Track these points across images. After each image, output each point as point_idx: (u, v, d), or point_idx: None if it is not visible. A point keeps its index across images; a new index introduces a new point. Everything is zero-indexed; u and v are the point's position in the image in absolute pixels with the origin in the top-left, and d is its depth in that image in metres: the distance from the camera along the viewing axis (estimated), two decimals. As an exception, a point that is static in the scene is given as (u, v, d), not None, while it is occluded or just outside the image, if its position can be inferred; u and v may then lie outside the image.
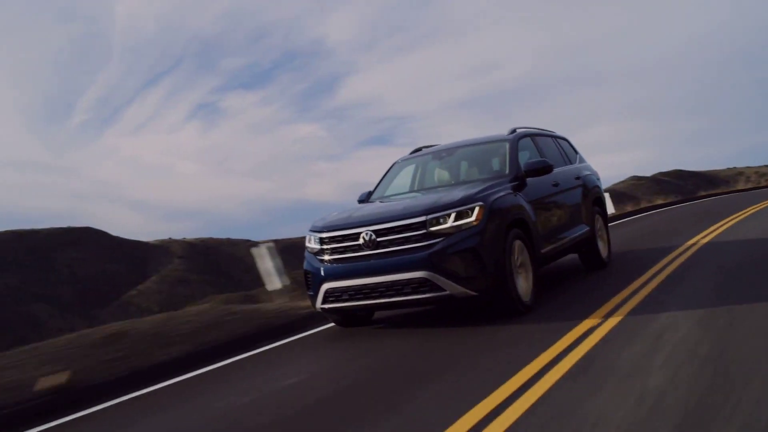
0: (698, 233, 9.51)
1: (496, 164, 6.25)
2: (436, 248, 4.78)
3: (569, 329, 4.30)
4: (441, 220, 4.87)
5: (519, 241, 5.23)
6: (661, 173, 59.48)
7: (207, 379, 4.77)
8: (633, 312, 4.64)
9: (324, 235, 5.28)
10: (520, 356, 3.79)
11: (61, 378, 4.58)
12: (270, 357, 5.23)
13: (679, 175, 59.09)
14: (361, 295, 5.03)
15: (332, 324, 6.02)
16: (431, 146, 7.14)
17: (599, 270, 7.14)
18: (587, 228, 6.97)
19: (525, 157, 6.24)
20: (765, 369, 3.02)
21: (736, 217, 11.81)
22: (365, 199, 6.60)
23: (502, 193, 5.29)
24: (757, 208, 13.69)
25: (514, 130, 6.55)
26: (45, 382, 4.53)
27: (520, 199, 5.52)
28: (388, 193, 6.61)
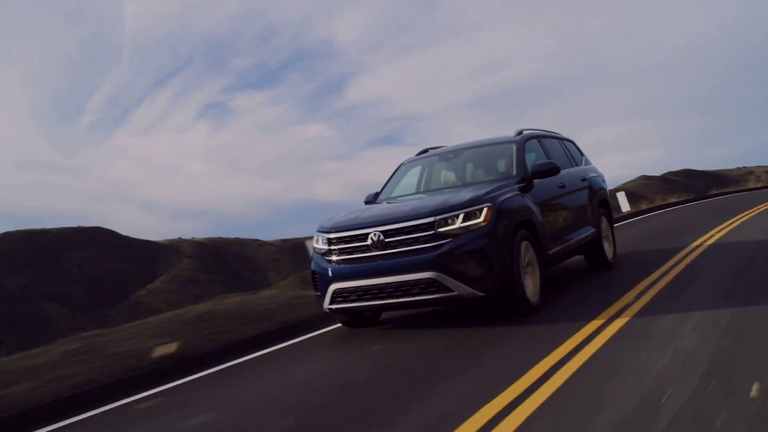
0: (716, 226, 10.51)
1: (502, 166, 6.27)
2: (444, 249, 4.81)
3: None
4: (449, 221, 4.90)
5: (526, 242, 5.25)
6: (670, 173, 59.02)
7: (290, 352, 5.45)
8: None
9: (332, 235, 5.31)
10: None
11: (171, 347, 5.39)
12: (338, 333, 5.91)
13: (688, 174, 58.63)
14: (369, 296, 5.05)
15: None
16: (438, 147, 7.17)
17: (605, 270, 7.17)
18: (593, 230, 6.98)
19: (532, 159, 6.25)
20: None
21: (749, 214, 12.58)
22: (372, 200, 6.61)
23: (509, 195, 5.31)
24: (769, 205, 14.42)
25: (520, 132, 6.56)
26: (159, 351, 5.31)
27: (528, 201, 5.54)
28: (394, 194, 6.63)
